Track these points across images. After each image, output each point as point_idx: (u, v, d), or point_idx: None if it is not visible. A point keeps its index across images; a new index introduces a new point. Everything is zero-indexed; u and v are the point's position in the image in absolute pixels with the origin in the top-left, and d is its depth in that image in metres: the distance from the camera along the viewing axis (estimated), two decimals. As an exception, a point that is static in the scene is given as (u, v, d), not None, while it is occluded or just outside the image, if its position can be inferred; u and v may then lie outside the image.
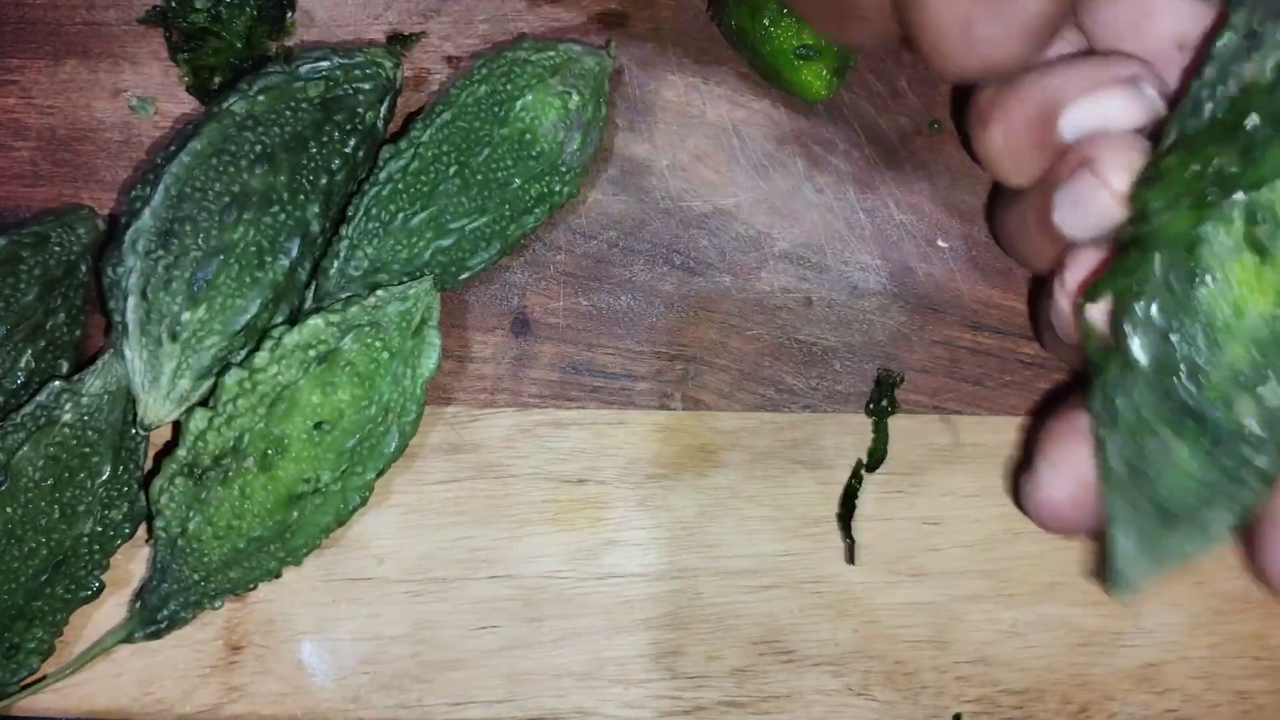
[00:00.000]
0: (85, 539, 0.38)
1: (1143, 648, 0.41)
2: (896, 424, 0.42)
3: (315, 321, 0.38)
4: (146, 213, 0.38)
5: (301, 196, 0.39)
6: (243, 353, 0.38)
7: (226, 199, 0.38)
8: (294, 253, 0.39)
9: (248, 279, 0.38)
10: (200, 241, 0.37)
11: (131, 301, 0.38)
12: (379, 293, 0.39)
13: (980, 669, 0.41)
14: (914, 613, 0.41)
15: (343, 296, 0.39)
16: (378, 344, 0.38)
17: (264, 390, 0.38)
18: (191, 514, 0.38)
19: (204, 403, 0.38)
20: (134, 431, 0.39)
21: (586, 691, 0.40)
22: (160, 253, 0.38)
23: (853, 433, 0.42)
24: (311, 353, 0.38)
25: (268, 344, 0.38)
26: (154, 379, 0.38)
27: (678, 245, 0.42)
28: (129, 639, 0.39)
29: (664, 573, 0.41)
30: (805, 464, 0.41)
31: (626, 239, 0.42)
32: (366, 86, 0.40)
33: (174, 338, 0.38)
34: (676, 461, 0.42)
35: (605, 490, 0.41)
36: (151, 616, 0.38)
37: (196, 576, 0.38)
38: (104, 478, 0.38)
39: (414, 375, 0.39)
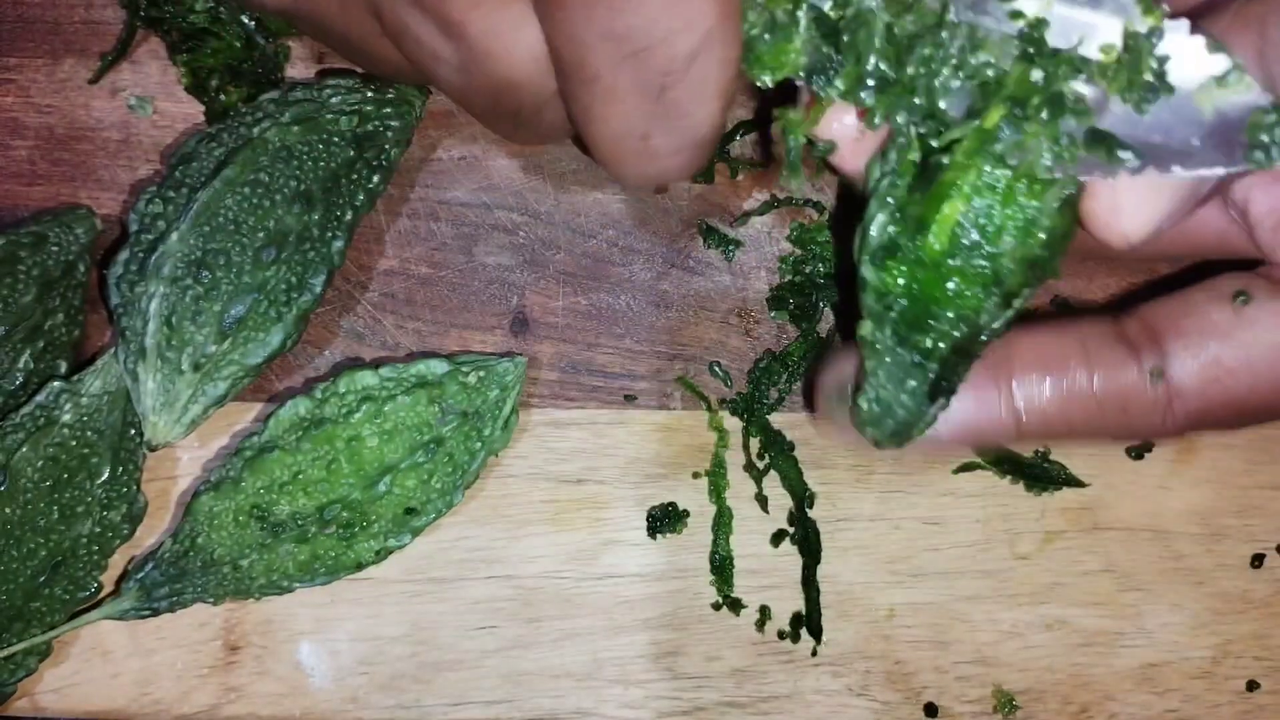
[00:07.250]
0: (84, 540, 0.38)
1: (1143, 648, 0.41)
2: (896, 424, 0.42)
3: (424, 405, 0.38)
4: (174, 237, 0.38)
5: (330, 234, 0.39)
6: (345, 412, 0.38)
7: (262, 235, 0.38)
8: (319, 289, 0.39)
9: (274, 314, 0.38)
10: (234, 277, 0.37)
11: (152, 326, 0.38)
12: (475, 372, 0.39)
13: (980, 669, 0.41)
14: (914, 613, 0.41)
15: (441, 370, 0.39)
16: (473, 434, 0.39)
17: (364, 465, 0.38)
18: (250, 552, 0.38)
19: (276, 445, 0.38)
20: (133, 434, 0.39)
21: (586, 692, 0.40)
22: (189, 282, 0.37)
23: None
24: (418, 436, 0.38)
25: (376, 419, 0.38)
26: (167, 403, 0.38)
27: (678, 245, 0.42)
28: (122, 616, 0.39)
29: (664, 573, 0.41)
30: (805, 464, 0.41)
31: (626, 239, 0.42)
32: (396, 124, 0.40)
33: (196, 368, 0.38)
34: (676, 461, 0.41)
35: (605, 490, 0.41)
36: (148, 595, 0.38)
37: (212, 583, 0.38)
38: (103, 479, 0.38)
39: (486, 454, 0.39)
